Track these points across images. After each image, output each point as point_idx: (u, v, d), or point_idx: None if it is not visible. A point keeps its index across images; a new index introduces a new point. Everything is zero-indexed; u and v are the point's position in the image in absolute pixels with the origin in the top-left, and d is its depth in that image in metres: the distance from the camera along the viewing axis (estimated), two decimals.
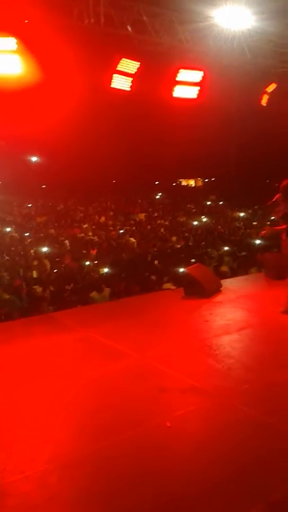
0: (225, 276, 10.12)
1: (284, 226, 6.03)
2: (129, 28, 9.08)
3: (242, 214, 22.70)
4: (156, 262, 12.26)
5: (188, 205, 25.96)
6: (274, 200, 6.32)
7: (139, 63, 9.02)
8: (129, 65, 8.98)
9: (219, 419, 3.60)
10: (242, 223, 19.98)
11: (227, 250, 13.59)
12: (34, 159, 35.46)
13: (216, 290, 7.34)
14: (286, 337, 5.35)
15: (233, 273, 10.77)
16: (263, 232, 6.83)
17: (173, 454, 3.15)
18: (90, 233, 16.73)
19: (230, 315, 6.14)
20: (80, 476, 2.94)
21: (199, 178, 44.38)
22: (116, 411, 3.68)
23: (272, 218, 20.53)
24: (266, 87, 11.43)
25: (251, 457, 3.05)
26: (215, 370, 4.42)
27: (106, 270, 11.16)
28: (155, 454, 3.15)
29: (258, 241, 14.34)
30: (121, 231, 17.63)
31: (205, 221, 20.31)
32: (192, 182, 44.41)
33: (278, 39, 11.12)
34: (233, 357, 4.70)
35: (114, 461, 3.09)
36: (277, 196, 6.22)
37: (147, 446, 3.24)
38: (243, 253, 13.44)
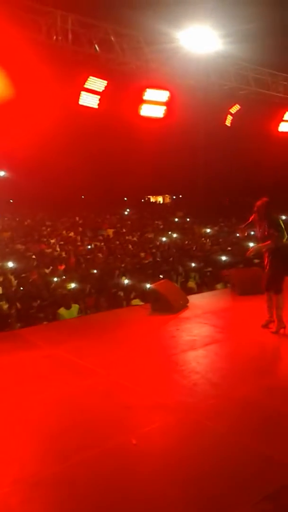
0: (191, 292, 10.24)
1: (268, 242, 6.04)
2: (97, 47, 9.22)
3: (208, 230, 23.07)
4: (124, 278, 12.27)
5: (156, 221, 26.17)
6: (249, 221, 6.40)
7: (106, 81, 9.14)
8: (97, 83, 9.08)
9: (183, 434, 3.62)
10: (208, 239, 20.29)
11: (194, 266, 13.76)
12: (1, 173, 35.07)
13: (183, 306, 7.42)
14: (250, 353, 5.43)
15: (200, 289, 10.91)
16: (250, 251, 6.84)
17: (138, 471, 3.14)
18: (58, 249, 16.59)
19: (196, 331, 6.20)
20: (44, 497, 2.90)
21: (167, 195, 44.93)
22: (81, 430, 3.64)
23: (237, 235, 21.01)
24: (230, 108, 11.77)
25: (215, 472, 3.07)
26: (180, 386, 4.44)
27: (73, 286, 11.08)
28: (120, 471, 3.12)
29: (224, 257, 14.59)
30: (89, 246, 17.58)
31: (173, 237, 20.51)
32: (160, 199, 44.88)
33: (242, 62, 11.52)
34: (199, 372, 4.74)
35: (79, 480, 3.04)
36: (252, 216, 6.31)
37: (112, 464, 3.21)
38: (209, 269, 13.64)
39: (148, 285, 8.96)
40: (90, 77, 9.10)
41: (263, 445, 3.35)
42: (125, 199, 36.50)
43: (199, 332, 6.13)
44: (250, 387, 4.38)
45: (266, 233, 6.03)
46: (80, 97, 9.12)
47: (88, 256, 15.35)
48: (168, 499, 2.84)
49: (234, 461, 3.18)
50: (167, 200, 44.47)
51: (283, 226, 6.14)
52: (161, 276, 10.82)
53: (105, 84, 9.18)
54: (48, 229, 21.25)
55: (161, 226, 24.59)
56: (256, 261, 14.15)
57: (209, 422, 3.71)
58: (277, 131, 12.44)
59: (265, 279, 6.20)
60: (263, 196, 6.33)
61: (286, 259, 6.05)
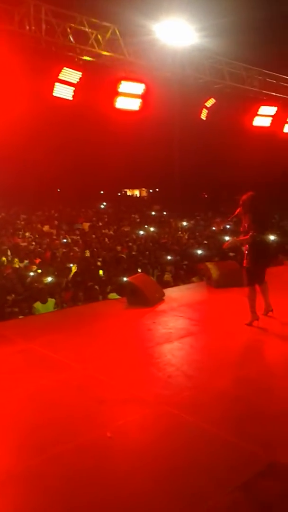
0: (168, 285, 10.28)
1: (247, 237, 6.11)
2: (71, 38, 9.08)
3: (185, 224, 23.21)
4: (100, 271, 12.23)
5: (133, 215, 26.14)
6: (235, 214, 6.42)
7: (81, 73, 9.02)
8: (71, 75, 8.95)
9: (158, 427, 3.63)
10: (185, 233, 20.40)
11: (170, 260, 13.81)
12: None
13: (159, 299, 7.44)
14: (225, 345, 5.50)
15: (176, 282, 10.95)
16: (226, 244, 6.93)
17: (113, 464, 3.14)
18: (33, 242, 16.41)
19: (172, 324, 6.23)
20: (17, 492, 2.87)
21: (143, 188, 44.91)
22: (55, 424, 3.62)
23: (213, 228, 21.24)
24: (205, 101, 11.80)
25: (188, 463, 3.10)
26: (155, 379, 4.46)
27: (49, 279, 10.98)
28: (95, 465, 3.12)
29: (199, 251, 14.70)
30: (64, 240, 17.45)
31: (149, 231, 20.54)
32: (137, 192, 44.83)
33: (217, 56, 11.55)
34: (174, 365, 4.76)
35: (53, 475, 3.03)
36: (238, 210, 6.33)
37: (87, 458, 3.20)
38: (186, 262, 13.72)
39: (124, 279, 8.96)
40: (65, 68, 8.97)
41: (236, 435, 3.40)
42: (102, 192, 36.32)
43: (175, 325, 6.16)
44: (225, 379, 4.43)
45: (246, 227, 6.10)
46: (55, 89, 8.99)
47: (64, 250, 15.23)
48: (143, 491, 2.85)
49: (208, 452, 3.22)
50: (144, 193, 44.46)
51: (264, 222, 6.32)
52: (139, 270, 10.83)
53: (80, 76, 9.07)
54: (23, 223, 20.98)
55: (138, 220, 24.59)
56: (231, 254, 14.33)
57: (183, 414, 3.74)
58: (252, 125, 12.54)
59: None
60: (247, 190, 6.38)
61: (262, 253, 6.13)
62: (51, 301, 8.91)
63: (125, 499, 2.78)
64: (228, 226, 21.56)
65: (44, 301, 8.73)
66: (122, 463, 3.14)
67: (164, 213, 27.89)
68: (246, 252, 6.14)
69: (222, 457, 3.17)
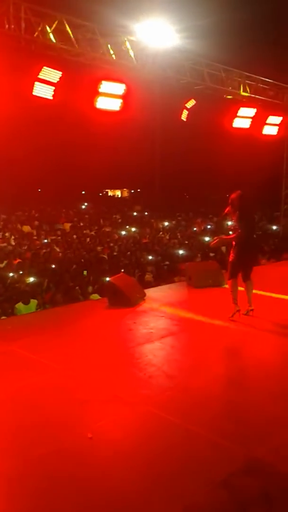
0: (149, 285, 10.31)
1: (233, 236, 6.34)
2: (51, 37, 9.02)
3: (166, 224, 23.30)
4: (84, 272, 12.19)
5: (114, 215, 26.10)
6: (225, 213, 6.58)
7: (61, 72, 8.96)
8: (51, 74, 8.89)
9: (138, 426, 3.65)
10: (166, 233, 20.47)
11: (151, 260, 13.85)
12: None
13: (140, 299, 7.45)
14: (205, 344, 5.55)
15: (157, 282, 10.99)
16: (214, 242, 7.07)
17: (94, 464, 3.14)
18: (13, 243, 16.24)
19: (153, 324, 6.25)
20: None
21: (125, 189, 44.88)
22: (36, 426, 3.60)
23: (194, 229, 21.37)
24: (186, 102, 11.85)
25: (168, 462, 3.13)
26: (136, 379, 4.47)
27: (31, 280, 10.91)
28: (76, 466, 3.12)
29: (181, 251, 14.78)
30: (45, 240, 17.34)
31: (131, 231, 20.55)
32: (118, 193, 44.78)
33: (197, 57, 11.62)
34: (155, 365, 4.78)
35: (35, 477, 3.02)
36: (227, 209, 6.50)
37: (68, 458, 3.20)
38: (167, 263, 13.78)
39: (105, 279, 8.95)
40: (45, 67, 8.90)
41: (215, 434, 3.44)
42: (83, 192, 36.16)
43: (156, 325, 6.18)
44: (204, 378, 4.47)
45: (235, 225, 6.32)
46: (34, 88, 8.92)
47: (45, 250, 15.13)
48: (123, 490, 2.86)
49: (187, 451, 3.25)
50: (125, 194, 44.43)
51: (251, 220, 6.55)
52: (122, 270, 10.83)
53: (60, 75, 9.01)
54: (2, 223, 20.74)
55: (119, 220, 24.56)
56: (211, 254, 14.44)
57: (164, 413, 3.76)
58: (231, 126, 12.66)
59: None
60: (236, 190, 6.52)
61: (247, 250, 6.34)
62: (33, 302, 8.86)
63: (105, 499, 2.79)
64: (209, 227, 21.75)
65: (26, 302, 8.68)
66: (103, 463, 3.14)
67: (146, 213, 27.93)
68: (233, 246, 6.34)
69: (202, 455, 3.20)
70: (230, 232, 6.70)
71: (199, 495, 2.80)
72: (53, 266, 12.84)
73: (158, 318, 6.50)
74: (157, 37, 10.54)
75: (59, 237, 18.12)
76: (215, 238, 7.11)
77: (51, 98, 9.12)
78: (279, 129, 14.01)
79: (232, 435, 3.42)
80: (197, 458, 3.17)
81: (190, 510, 2.70)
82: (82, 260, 13.75)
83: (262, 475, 2.99)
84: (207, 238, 17.25)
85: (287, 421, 3.63)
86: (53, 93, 9.07)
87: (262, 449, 3.24)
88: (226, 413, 3.77)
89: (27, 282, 10.72)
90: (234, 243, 6.36)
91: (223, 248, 15.63)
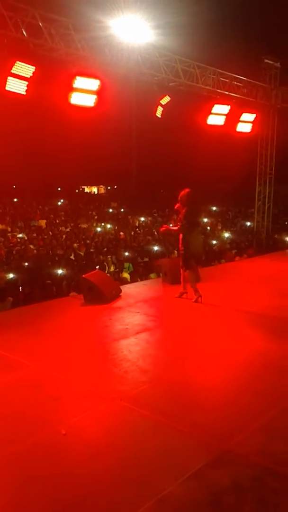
0: (125, 282, 10.34)
1: (178, 227, 7.10)
2: (24, 32, 8.89)
3: (142, 219, 23.35)
4: (57, 269, 12.10)
5: (90, 212, 25.98)
6: (175, 208, 7.20)
7: (34, 67, 8.85)
8: (24, 69, 8.78)
9: (112, 421, 3.68)
10: (142, 230, 20.50)
11: (127, 256, 13.86)
12: None
13: (116, 295, 7.47)
14: (178, 339, 5.62)
15: (133, 279, 11.03)
16: (162, 228, 7.81)
17: (67, 460, 3.15)
18: None
19: (128, 320, 6.28)
20: None
21: (101, 185, 44.71)
22: (9, 423, 3.59)
23: (171, 225, 21.46)
24: (160, 99, 11.85)
25: (142, 455, 3.17)
26: (111, 374, 4.50)
27: (7, 278, 10.80)
28: (50, 462, 3.12)
29: (156, 248, 14.83)
30: (20, 235, 17.15)
31: (107, 228, 20.51)
32: (94, 189, 44.57)
33: (172, 54, 11.62)
34: (130, 360, 4.82)
35: (7, 473, 3.01)
36: (177, 205, 7.09)
37: (41, 455, 3.20)
38: (145, 259, 13.83)
39: (81, 276, 8.92)
40: (17, 62, 8.77)
41: (188, 426, 3.49)
42: (59, 189, 35.85)
43: (131, 321, 6.22)
44: (178, 372, 4.54)
45: (182, 220, 6.99)
46: (7, 83, 8.79)
47: (19, 247, 14.97)
48: (96, 484, 2.88)
49: (161, 443, 3.29)
50: (102, 190, 44.26)
51: (196, 216, 7.34)
52: (97, 267, 10.82)
53: (33, 70, 8.89)
54: None
55: (95, 217, 24.46)
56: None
57: (138, 407, 3.79)
58: (206, 123, 12.73)
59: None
60: (187, 187, 7.14)
61: (192, 242, 7.03)
62: (8, 300, 8.78)
63: (79, 494, 2.81)
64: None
65: (2, 300, 8.60)
66: (76, 459, 3.16)
67: (122, 210, 27.90)
68: (181, 241, 7.05)
69: (175, 447, 3.25)
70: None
71: (172, 487, 2.84)
72: (27, 264, 12.73)
73: (133, 314, 6.54)
74: (132, 33, 10.50)
75: (34, 234, 17.94)
76: (164, 226, 7.86)
77: (24, 93, 8.99)
78: (252, 126, 14.17)
79: (205, 427, 3.48)
80: (170, 451, 3.21)
81: (164, 502, 2.74)
82: (57, 258, 13.66)
83: (233, 466, 3.05)
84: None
85: (258, 412, 3.71)
86: (26, 88, 8.94)
87: (233, 441, 3.31)
88: (199, 406, 3.83)
89: (6, 279, 10.61)
90: (181, 237, 7.03)
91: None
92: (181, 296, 7.22)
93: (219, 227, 20.80)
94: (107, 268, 12.10)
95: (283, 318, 6.32)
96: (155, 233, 19.06)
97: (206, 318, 6.40)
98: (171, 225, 11.46)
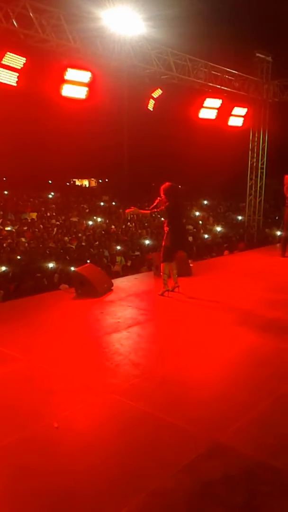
0: (117, 275, 10.34)
1: (144, 211, 7.35)
2: (14, 22, 8.78)
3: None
4: (48, 262, 12.08)
5: (82, 205, 25.89)
6: (156, 203, 7.12)
7: (25, 58, 8.76)
8: (15, 60, 8.68)
9: (104, 414, 3.69)
10: (134, 223, 20.48)
11: (119, 250, 13.86)
12: None
13: (108, 289, 7.47)
14: (170, 333, 5.64)
15: (125, 273, 11.03)
16: (129, 210, 7.73)
17: (60, 453, 3.16)
18: None
19: (120, 313, 6.29)
20: None
21: (93, 179, 44.54)
22: (2, 416, 3.58)
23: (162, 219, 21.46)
24: (152, 92, 11.81)
25: (133, 448, 3.18)
26: (103, 368, 4.50)
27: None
28: (42, 455, 3.13)
29: (148, 241, 14.84)
30: (8, 228, 17.05)
31: (99, 221, 20.46)
32: (86, 182, 44.39)
33: (164, 47, 11.58)
34: (121, 354, 4.83)
35: None
36: (157, 200, 7.10)
37: (33, 448, 3.20)
38: (137, 253, 13.83)
39: (72, 269, 8.90)
40: (8, 53, 8.68)
41: (179, 419, 3.51)
42: (50, 182, 35.65)
43: (123, 315, 6.23)
44: (170, 365, 4.56)
45: (165, 213, 7.07)
46: None
47: (10, 241, 14.89)
48: (87, 477, 2.89)
49: (152, 436, 3.31)
50: (93, 183, 44.11)
51: (180, 210, 7.43)
52: (88, 261, 10.80)
53: (24, 61, 8.80)
54: None
55: (87, 210, 24.39)
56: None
57: (130, 401, 3.81)
58: (198, 117, 12.72)
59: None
60: (169, 181, 7.18)
61: (178, 236, 7.10)
62: None
63: (71, 487, 2.81)
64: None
65: None
66: (68, 452, 3.17)
67: (113, 203, 27.84)
68: (165, 233, 7.05)
69: (166, 440, 3.27)
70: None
71: (163, 480, 2.87)
72: (19, 257, 12.67)
73: (125, 308, 6.55)
74: (124, 25, 10.43)
75: (25, 227, 17.85)
76: (132, 207, 7.75)
77: (15, 84, 8.91)
78: (244, 120, 14.18)
79: (196, 420, 3.51)
80: (162, 444, 3.23)
81: (155, 495, 2.76)
82: (48, 252, 13.62)
83: (224, 458, 3.08)
84: None
85: (249, 405, 3.74)
86: (17, 79, 8.86)
87: (225, 433, 3.34)
88: (190, 399, 3.86)
89: None
90: (166, 230, 7.06)
91: (190, 238, 15.84)
92: (173, 290, 7.21)
93: (211, 221, 20.86)
94: (120, 262, 12.08)
95: (273, 312, 6.36)
96: (146, 226, 19.06)
97: (197, 312, 6.43)
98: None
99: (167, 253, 7.08)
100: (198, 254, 13.20)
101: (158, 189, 7.16)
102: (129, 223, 20.51)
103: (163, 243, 7.15)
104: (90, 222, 20.03)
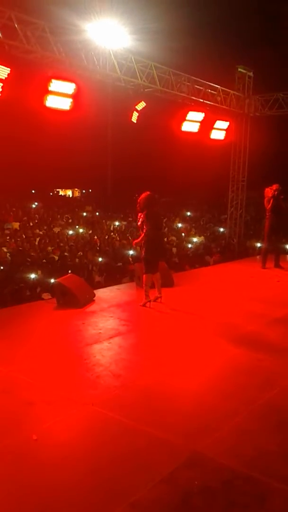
0: (99, 286, 10.32)
1: (141, 237, 7.13)
2: None
3: (117, 223, 23.36)
4: (30, 272, 11.98)
5: (65, 215, 25.81)
6: (140, 218, 7.17)
7: (9, 68, 8.80)
8: None
9: (84, 426, 3.68)
10: (117, 234, 20.50)
11: (101, 261, 13.84)
12: None
13: (89, 300, 7.46)
14: (151, 343, 5.65)
15: (107, 283, 11.01)
16: (135, 242, 7.87)
17: (38, 465, 3.13)
18: None
19: (102, 324, 6.29)
20: None
21: (76, 189, 44.48)
22: None
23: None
24: (136, 104, 11.92)
25: (113, 459, 3.18)
26: (84, 379, 4.49)
27: None
28: (19, 467, 3.10)
29: (131, 252, 14.86)
30: None
31: (82, 232, 20.43)
32: (69, 192, 44.31)
33: (148, 60, 11.72)
34: (102, 365, 4.82)
35: None
36: (139, 216, 7.14)
37: (10, 460, 3.17)
38: (119, 264, 13.82)
39: (53, 280, 8.86)
40: None
41: (158, 429, 3.52)
42: (33, 191, 35.49)
43: (104, 325, 6.22)
44: (150, 376, 4.57)
45: (140, 224, 7.06)
46: None
47: None
48: (66, 488, 2.88)
49: (132, 448, 3.31)
50: (77, 194, 44.05)
51: (158, 219, 7.25)
52: (69, 271, 10.75)
53: (8, 72, 8.83)
54: None
55: (70, 220, 24.32)
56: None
57: (110, 412, 3.80)
58: (180, 130, 12.88)
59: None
60: (147, 191, 7.18)
61: (156, 246, 7.10)
62: None
63: (49, 500, 2.79)
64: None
65: None
66: (47, 465, 3.14)
67: (97, 213, 27.84)
68: (143, 244, 7.05)
69: (146, 451, 3.28)
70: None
71: (143, 492, 2.87)
72: (1, 267, 12.56)
73: (107, 319, 6.55)
74: (109, 38, 10.54)
75: (8, 237, 17.71)
76: (133, 241, 7.89)
77: None
78: (226, 134, 14.41)
79: (176, 430, 3.53)
80: (141, 455, 3.23)
81: (135, 506, 2.76)
82: (29, 259, 13.53)
83: (203, 469, 3.09)
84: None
85: (228, 415, 3.77)
86: (0, 89, 8.87)
87: (204, 443, 3.36)
88: (170, 409, 3.87)
89: None
90: (143, 241, 7.05)
91: (174, 249, 15.92)
92: (155, 300, 7.24)
93: (193, 232, 21.02)
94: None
95: (253, 324, 6.44)
96: (129, 237, 19.10)
97: (178, 323, 6.47)
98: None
99: (148, 264, 7.11)
100: (180, 265, 13.27)
101: (138, 200, 7.18)
102: (112, 234, 20.52)
103: (142, 255, 7.18)
104: (71, 232, 19.99)
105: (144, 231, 7.03)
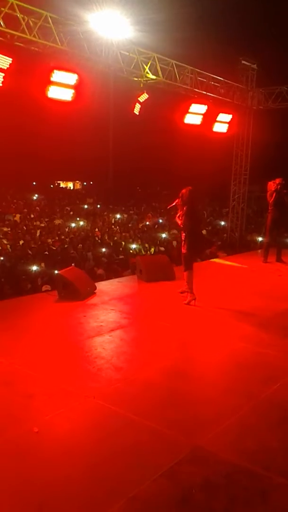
0: (100, 278, 10.30)
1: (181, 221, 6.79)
2: (1, 22, 8.72)
3: (118, 216, 23.32)
4: (31, 264, 11.97)
5: (66, 208, 25.77)
6: (174, 204, 6.99)
7: (11, 59, 8.71)
8: (1, 60, 8.61)
9: (85, 419, 3.67)
10: (118, 226, 20.48)
11: (103, 253, 13.83)
12: None
13: (91, 292, 7.44)
14: (153, 337, 5.63)
15: (108, 276, 11.00)
16: (170, 205, 7.23)
17: (39, 458, 3.12)
18: None
19: (103, 317, 6.27)
20: None
21: (77, 181, 44.38)
22: None
23: (147, 223, 21.52)
24: (139, 96, 11.82)
25: (114, 453, 3.17)
26: (85, 372, 4.48)
27: None
28: (21, 460, 3.09)
29: (133, 245, 14.85)
30: None
31: (83, 224, 20.40)
32: (70, 185, 44.21)
33: (151, 52, 11.61)
34: (104, 358, 4.81)
35: None
36: (176, 201, 6.92)
37: (13, 452, 3.16)
38: (121, 256, 13.81)
39: (55, 272, 8.85)
40: None
41: (160, 423, 3.51)
42: (34, 183, 35.42)
43: (106, 318, 6.21)
44: (152, 370, 4.55)
45: (181, 218, 6.79)
46: None
47: None
48: (67, 482, 2.87)
49: (133, 441, 3.30)
50: (78, 186, 43.95)
51: (198, 215, 7.15)
52: (73, 264, 10.74)
53: (10, 62, 8.74)
54: None
55: (71, 213, 24.29)
56: (162, 248, 14.60)
57: (112, 405, 3.79)
58: (183, 122, 12.78)
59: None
60: (188, 185, 6.94)
61: (197, 242, 6.89)
62: None
63: (50, 492, 2.79)
64: (160, 221, 21.96)
65: None
66: (48, 457, 3.13)
67: (98, 206, 27.79)
68: (183, 240, 6.81)
69: (147, 445, 3.27)
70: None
71: (144, 486, 2.86)
72: (1, 258, 12.55)
73: (108, 312, 6.53)
74: (111, 28, 10.43)
75: (8, 229, 17.69)
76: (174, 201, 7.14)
77: (1, 84, 8.84)
78: (228, 127, 14.30)
79: (177, 424, 3.51)
80: (142, 449, 3.22)
81: (136, 501, 2.75)
82: (30, 252, 13.52)
83: (204, 463, 3.09)
84: (163, 235, 17.49)
85: (230, 409, 3.76)
86: (2, 79, 8.79)
87: (206, 438, 3.35)
88: (172, 404, 3.86)
89: None
90: (183, 236, 6.80)
91: (174, 243, 15.89)
92: (189, 303, 6.86)
93: None
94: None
95: (255, 317, 6.42)
96: (131, 229, 19.06)
97: (179, 316, 6.44)
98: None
99: (188, 261, 6.88)
100: (181, 259, 13.22)
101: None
102: (113, 226, 20.49)
103: (182, 251, 6.91)
104: (73, 225, 19.95)
105: (184, 226, 6.76)
